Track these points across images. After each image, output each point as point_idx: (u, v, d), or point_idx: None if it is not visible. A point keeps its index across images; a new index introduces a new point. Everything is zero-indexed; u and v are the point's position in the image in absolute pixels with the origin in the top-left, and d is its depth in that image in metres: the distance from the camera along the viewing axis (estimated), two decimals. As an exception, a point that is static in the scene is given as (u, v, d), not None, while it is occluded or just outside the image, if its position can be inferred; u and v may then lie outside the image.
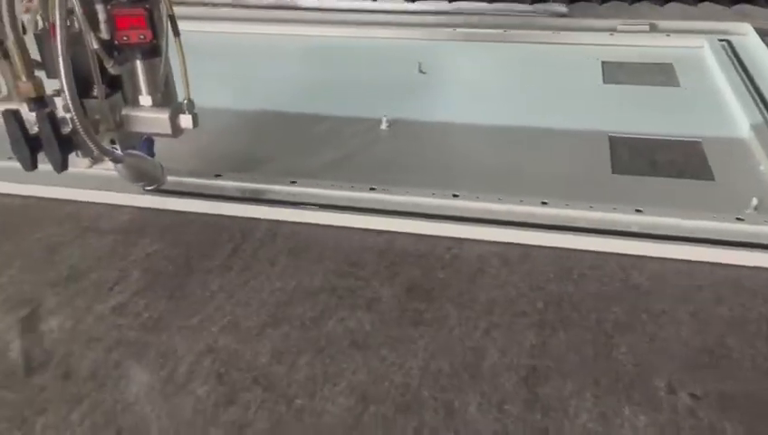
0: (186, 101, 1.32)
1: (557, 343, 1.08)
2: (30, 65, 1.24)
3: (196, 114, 1.33)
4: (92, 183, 1.51)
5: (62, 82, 1.13)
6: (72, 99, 1.14)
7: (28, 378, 1.04)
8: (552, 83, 2.04)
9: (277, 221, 1.41)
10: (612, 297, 1.17)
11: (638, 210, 1.34)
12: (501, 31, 2.44)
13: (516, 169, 1.57)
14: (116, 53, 1.27)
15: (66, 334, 1.13)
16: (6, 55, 1.23)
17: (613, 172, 1.55)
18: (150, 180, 1.43)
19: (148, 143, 1.43)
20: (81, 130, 1.15)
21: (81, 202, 1.49)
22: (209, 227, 1.41)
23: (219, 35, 2.51)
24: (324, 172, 1.54)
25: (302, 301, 1.19)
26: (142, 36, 1.23)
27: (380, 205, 1.42)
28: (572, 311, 1.14)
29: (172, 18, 1.25)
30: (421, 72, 2.17)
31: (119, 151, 1.32)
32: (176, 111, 1.32)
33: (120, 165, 1.33)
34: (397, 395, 1.00)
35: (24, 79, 1.25)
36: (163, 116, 1.31)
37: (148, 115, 1.33)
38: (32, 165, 1.24)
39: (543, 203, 1.38)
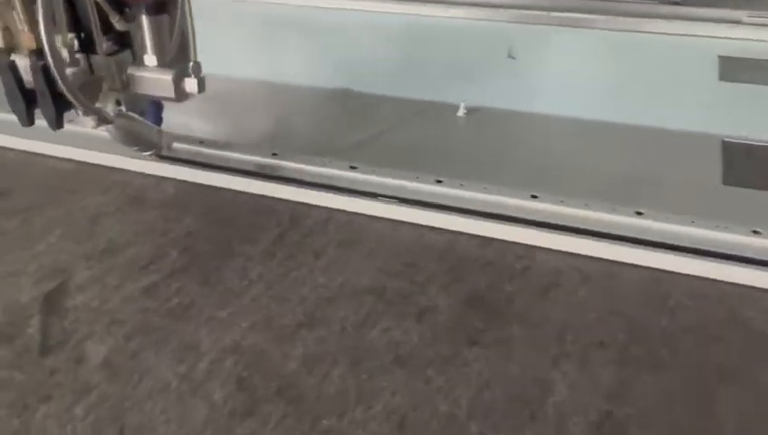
0: (192, 64, 1.19)
1: (641, 386, 0.89)
2: (32, 15, 1.14)
3: (203, 78, 1.18)
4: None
5: (39, 25, 1.02)
6: (50, 45, 1.03)
7: (41, 358, 0.96)
8: (657, 77, 1.79)
9: (331, 209, 1.28)
10: (716, 336, 0.96)
11: (755, 231, 1.11)
12: (603, 17, 2.20)
13: (609, 171, 1.37)
14: (126, 9, 1.15)
15: (90, 314, 1.04)
16: (10, 4, 1.14)
17: (724, 183, 1.32)
18: (146, 145, 1.34)
19: (155, 108, 1.32)
20: (58, 80, 1.05)
21: (130, 171, 1.41)
22: (258, 209, 1.29)
23: (307, 9, 2.40)
24: (390, 159, 1.39)
25: (346, 302, 1.05)
26: None
27: (446, 200, 1.26)
28: (662, 347, 0.95)
29: None
30: (510, 57, 1.98)
31: (109, 111, 1.21)
32: (180, 73, 1.17)
33: (111, 126, 1.23)
34: (439, 428, 0.84)
35: (25, 29, 1.15)
36: (166, 78, 1.17)
37: (151, 76, 1.19)
38: (28, 120, 1.14)
39: (638, 213, 1.17)
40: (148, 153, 1.38)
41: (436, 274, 1.10)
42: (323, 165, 1.35)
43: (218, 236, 1.21)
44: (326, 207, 1.28)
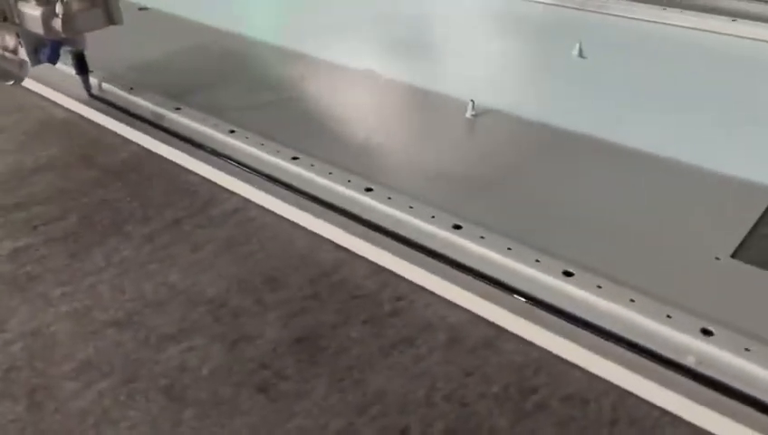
0: (59, 4, 1.23)
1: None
2: None
3: (73, 17, 1.25)
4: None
5: None
6: None
7: None
8: None
9: (247, 200, 1.16)
10: None
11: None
12: (729, 19, 1.77)
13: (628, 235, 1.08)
14: None
15: (-47, 264, 1.04)
16: None
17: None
18: (8, 77, 1.43)
19: (54, 45, 1.33)
20: None
21: (104, 128, 1.42)
22: (184, 186, 1.22)
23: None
24: (345, 154, 1.23)
25: (176, 308, 0.93)
26: None
27: (366, 214, 1.07)
28: None
29: None
30: (581, 56, 1.67)
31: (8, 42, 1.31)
32: (49, 12, 1.23)
33: None
34: None
35: None
36: (35, 13, 1.23)
37: (27, 11, 1.26)
38: None
39: (567, 273, 0.90)
40: (9, 83, 1.47)
41: (292, 297, 0.94)
42: (269, 152, 1.23)
43: (124, 209, 1.16)
44: (244, 198, 1.17)
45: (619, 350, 0.80)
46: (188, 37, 1.91)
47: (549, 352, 0.83)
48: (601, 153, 1.24)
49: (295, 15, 2.12)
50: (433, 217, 1.03)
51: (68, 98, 1.54)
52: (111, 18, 1.35)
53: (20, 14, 1.28)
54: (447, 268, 0.94)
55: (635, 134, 1.28)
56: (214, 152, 1.28)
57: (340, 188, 1.12)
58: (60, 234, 1.11)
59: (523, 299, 0.88)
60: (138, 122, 1.40)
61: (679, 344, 0.79)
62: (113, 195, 1.21)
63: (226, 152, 1.27)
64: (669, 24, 1.81)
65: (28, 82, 1.58)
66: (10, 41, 1.34)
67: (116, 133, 1.41)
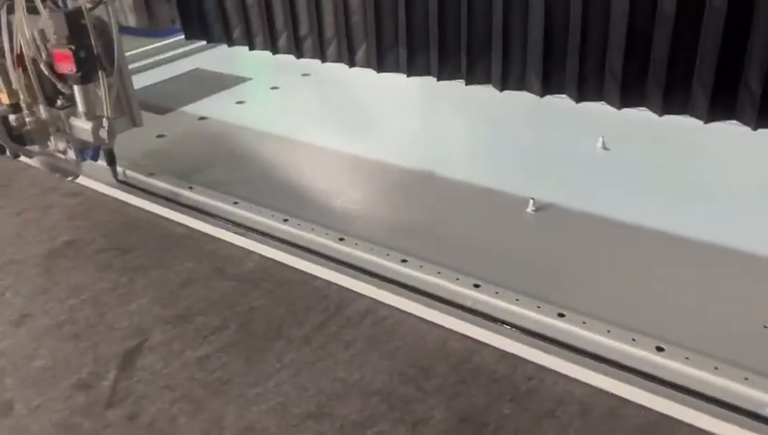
0: (104, 118, 1.65)
1: None
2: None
3: (113, 129, 1.68)
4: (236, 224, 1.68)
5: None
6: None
7: (104, 411, 1.19)
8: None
9: (374, 300, 1.41)
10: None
11: (774, 392, 1.07)
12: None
13: (660, 297, 1.35)
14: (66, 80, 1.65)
15: (151, 376, 1.26)
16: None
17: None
18: (65, 173, 1.88)
19: (96, 147, 1.79)
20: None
21: (223, 241, 1.65)
22: (315, 291, 1.46)
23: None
24: (439, 251, 1.49)
25: (355, 399, 1.17)
26: (71, 69, 1.59)
27: (480, 306, 1.33)
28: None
29: (98, 56, 1.59)
30: (604, 148, 1.97)
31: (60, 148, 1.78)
32: (98, 123, 1.66)
33: (36, 158, 1.85)
34: None
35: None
36: (86, 127, 1.67)
37: (79, 125, 1.70)
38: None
39: (659, 349, 1.17)
40: (69, 178, 1.91)
41: (444, 385, 1.19)
42: (371, 252, 1.49)
43: (274, 317, 1.39)
44: (372, 298, 1.42)
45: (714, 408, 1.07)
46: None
47: (662, 414, 1.09)
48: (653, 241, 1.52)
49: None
50: (539, 307, 1.29)
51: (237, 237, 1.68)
52: (135, 122, 1.84)
53: (71, 127, 1.72)
54: (565, 351, 1.20)
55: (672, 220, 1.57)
56: (332, 259, 1.53)
57: (453, 287, 1.38)
58: (228, 341, 1.34)
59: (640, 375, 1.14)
60: (257, 235, 1.64)
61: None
62: (258, 302, 1.44)
63: (341, 258, 1.52)
64: None
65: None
66: (62, 145, 1.77)
67: (234, 245, 1.65)
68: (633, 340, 1.19)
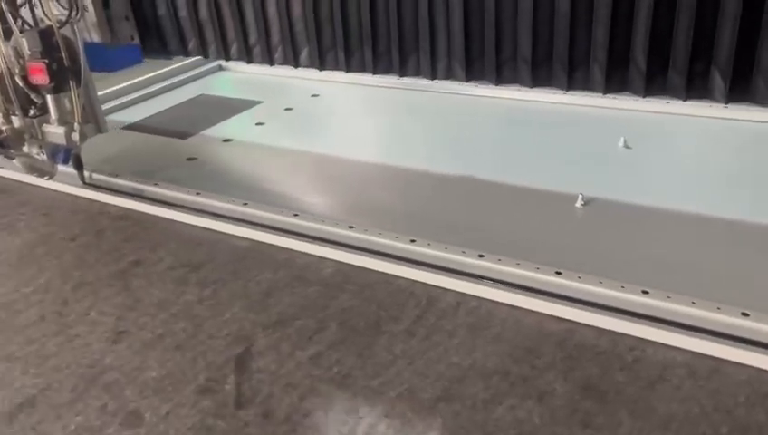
0: (75, 124, 1.86)
1: (738, 478, 1.01)
2: None
3: (84, 133, 1.89)
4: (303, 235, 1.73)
5: None
6: None
7: (237, 411, 1.23)
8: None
9: (461, 293, 1.49)
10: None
11: None
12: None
13: (723, 270, 1.48)
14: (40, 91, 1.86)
15: (270, 376, 1.30)
16: None
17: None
18: (42, 173, 2.05)
19: (67, 151, 2.00)
20: None
21: (294, 251, 1.70)
22: (400, 290, 1.53)
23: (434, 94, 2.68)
24: (512, 248, 1.58)
25: (476, 380, 1.25)
26: (45, 80, 1.79)
27: (565, 291, 1.43)
28: (762, 444, 1.07)
29: (68, 68, 1.80)
30: (626, 146, 2.12)
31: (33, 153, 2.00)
32: (70, 129, 1.87)
33: (17, 160, 2.00)
34: (556, 499, 1.01)
35: None
36: (59, 131, 1.88)
37: (52, 130, 1.91)
38: None
39: (744, 314, 1.29)
40: (45, 178, 2.08)
41: (555, 361, 1.28)
42: (455, 253, 1.57)
43: (369, 314, 1.46)
44: (457, 292, 1.50)
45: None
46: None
47: (758, 369, 1.21)
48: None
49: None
50: (623, 287, 1.40)
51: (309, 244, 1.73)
52: (100, 129, 2.00)
53: (44, 133, 1.93)
54: (659, 323, 1.32)
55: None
56: (410, 260, 1.60)
57: (536, 275, 1.48)
58: (334, 340, 1.39)
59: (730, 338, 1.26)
60: (329, 243, 1.70)
61: None
62: (348, 303, 1.50)
63: (419, 259, 1.60)
64: None
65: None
66: (35, 151, 1.99)
67: (307, 254, 1.70)
68: (718, 308, 1.31)
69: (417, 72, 2.50)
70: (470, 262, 1.55)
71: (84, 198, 2.07)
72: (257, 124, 2.61)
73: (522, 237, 1.67)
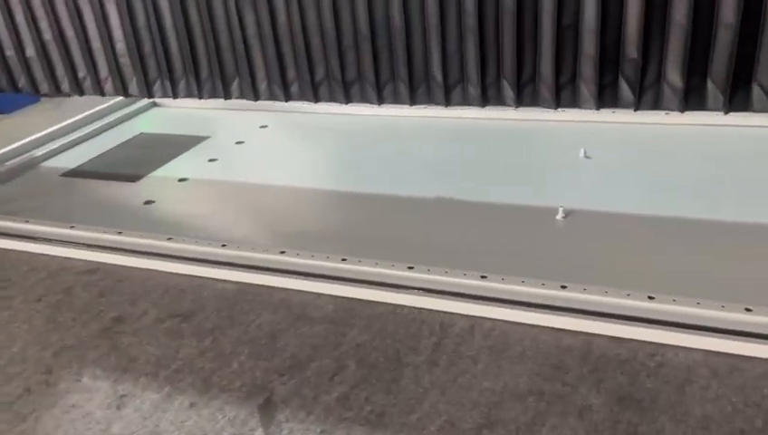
0: None
1: (787, 469, 1.06)
2: None
3: None
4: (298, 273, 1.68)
5: None
6: None
7: (275, 466, 1.16)
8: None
9: (472, 316, 1.49)
10: (841, 421, 1.13)
11: None
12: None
13: (715, 269, 1.56)
14: None
15: (301, 425, 1.25)
16: None
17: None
18: None
19: None
20: None
21: (288, 289, 1.65)
22: (409, 319, 1.50)
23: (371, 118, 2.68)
24: (509, 266, 1.60)
25: (513, 404, 1.24)
26: None
27: (572, 304, 1.46)
28: (797, 432, 1.12)
29: None
30: (586, 156, 2.21)
31: None
32: None
33: None
34: None
35: None
36: None
37: None
38: None
39: (747, 310, 1.36)
40: None
41: (582, 374, 1.30)
42: (457, 276, 1.57)
43: (385, 348, 1.42)
44: (467, 315, 1.49)
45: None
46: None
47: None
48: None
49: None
50: (628, 294, 1.44)
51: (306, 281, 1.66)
52: None
53: None
54: (671, 326, 1.37)
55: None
56: (413, 287, 1.59)
57: (542, 291, 1.50)
58: (357, 378, 1.35)
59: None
60: (323, 278, 1.66)
61: None
62: (360, 339, 1.47)
63: (420, 285, 1.59)
64: None
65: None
66: None
67: (302, 291, 1.65)
68: (722, 306, 1.38)
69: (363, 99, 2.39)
70: (475, 284, 1.55)
71: (42, 255, 1.91)
72: (210, 161, 2.52)
73: (514, 254, 1.69)
